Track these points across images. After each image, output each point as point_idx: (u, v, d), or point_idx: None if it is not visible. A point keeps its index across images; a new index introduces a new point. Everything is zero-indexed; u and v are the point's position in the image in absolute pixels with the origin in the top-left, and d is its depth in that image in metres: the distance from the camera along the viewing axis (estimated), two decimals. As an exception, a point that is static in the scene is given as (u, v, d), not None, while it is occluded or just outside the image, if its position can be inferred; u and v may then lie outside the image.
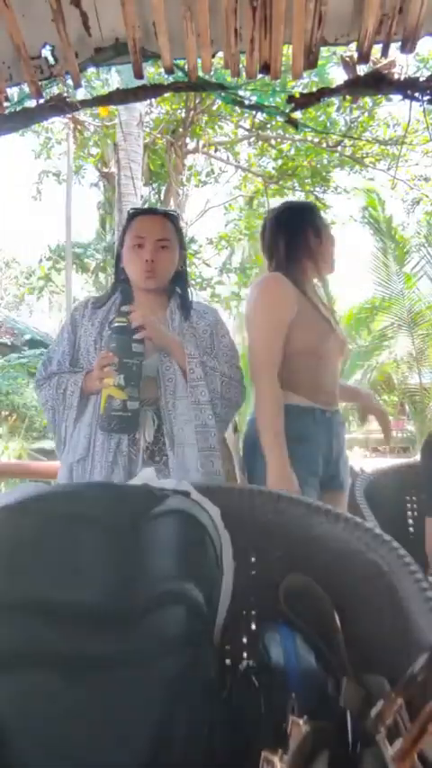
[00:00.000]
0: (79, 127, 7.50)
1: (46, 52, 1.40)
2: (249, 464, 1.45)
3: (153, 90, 1.51)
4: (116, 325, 1.25)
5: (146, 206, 7.76)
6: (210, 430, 1.28)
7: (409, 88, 1.39)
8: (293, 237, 1.49)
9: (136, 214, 1.41)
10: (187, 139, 7.89)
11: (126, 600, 0.48)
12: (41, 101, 1.47)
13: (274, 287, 1.43)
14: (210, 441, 1.28)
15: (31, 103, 1.49)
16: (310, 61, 1.36)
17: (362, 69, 1.42)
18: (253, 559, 0.70)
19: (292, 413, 1.38)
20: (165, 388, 1.30)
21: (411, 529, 1.41)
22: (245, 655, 0.66)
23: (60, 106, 1.45)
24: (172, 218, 1.42)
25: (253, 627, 0.67)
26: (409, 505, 1.45)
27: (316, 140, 7.52)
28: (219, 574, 0.58)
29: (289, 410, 1.38)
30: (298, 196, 8.46)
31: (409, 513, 1.44)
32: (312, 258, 1.49)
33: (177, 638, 0.48)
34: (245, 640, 0.67)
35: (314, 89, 1.54)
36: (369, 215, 7.26)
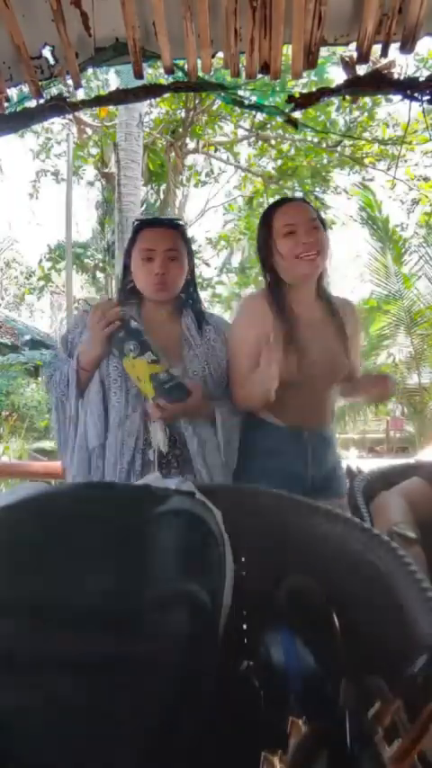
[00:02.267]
0: (82, 126, 7.50)
1: (46, 52, 1.40)
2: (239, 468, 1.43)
3: (153, 90, 1.51)
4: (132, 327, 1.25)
5: (144, 206, 7.77)
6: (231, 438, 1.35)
7: (408, 88, 1.39)
8: (259, 247, 1.42)
9: (142, 226, 1.38)
10: (187, 139, 7.90)
11: (128, 600, 0.48)
12: (41, 101, 1.47)
13: (245, 309, 1.45)
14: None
15: (32, 104, 1.49)
16: (310, 61, 1.36)
17: (361, 69, 1.42)
18: (254, 559, 0.70)
19: (264, 429, 1.39)
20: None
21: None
22: (244, 655, 0.66)
23: (60, 106, 1.45)
24: (178, 227, 1.40)
25: (253, 627, 0.67)
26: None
27: (316, 140, 7.53)
28: (222, 574, 0.58)
29: (261, 425, 1.39)
30: (298, 196, 8.47)
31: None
32: (280, 265, 1.37)
33: (181, 639, 0.48)
34: (245, 641, 0.67)
35: (314, 89, 1.54)
36: (367, 215, 7.26)
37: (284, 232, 1.33)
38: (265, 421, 1.41)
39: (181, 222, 1.46)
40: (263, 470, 1.37)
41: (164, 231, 1.36)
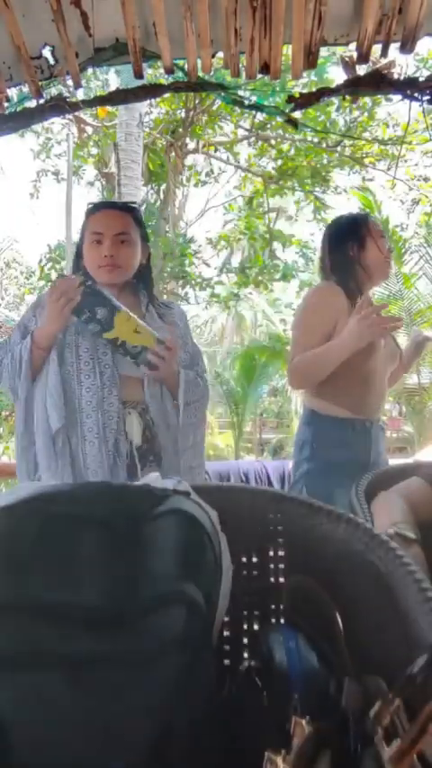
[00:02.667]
0: (82, 126, 7.49)
1: (46, 52, 1.40)
2: (297, 463, 1.60)
3: (153, 90, 1.51)
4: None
5: (144, 206, 7.76)
6: (197, 431, 1.36)
7: (408, 88, 1.39)
8: (336, 249, 1.61)
9: (94, 209, 1.38)
10: (187, 139, 7.90)
11: (126, 600, 0.48)
12: (41, 101, 1.47)
13: (321, 294, 1.58)
14: (195, 439, 1.35)
15: (32, 104, 1.49)
16: (310, 61, 1.36)
17: (361, 69, 1.42)
18: (254, 560, 0.70)
19: (332, 423, 1.53)
20: (151, 393, 1.30)
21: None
22: (245, 655, 0.66)
23: (60, 106, 1.45)
24: (132, 211, 1.39)
25: (255, 627, 0.67)
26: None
27: (316, 140, 7.52)
28: (218, 575, 0.58)
29: (329, 421, 1.53)
30: (298, 196, 8.47)
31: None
32: (361, 267, 1.58)
33: (178, 639, 0.48)
34: (245, 641, 0.67)
35: (314, 89, 1.53)
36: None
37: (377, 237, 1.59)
38: (331, 414, 1.55)
39: (134, 205, 1.45)
40: (333, 462, 1.51)
41: (115, 214, 1.36)
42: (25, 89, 1.47)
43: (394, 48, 1.35)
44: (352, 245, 1.58)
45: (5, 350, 1.34)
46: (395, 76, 1.38)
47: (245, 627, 0.67)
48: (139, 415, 1.29)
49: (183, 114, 7.53)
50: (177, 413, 1.31)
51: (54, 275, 10.25)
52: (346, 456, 1.50)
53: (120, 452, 1.26)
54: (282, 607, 0.67)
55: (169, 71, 1.43)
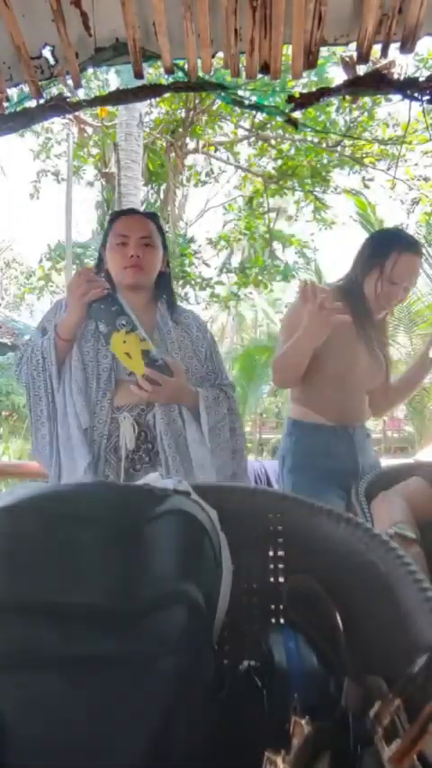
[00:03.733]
0: (82, 126, 7.49)
1: (46, 52, 1.40)
2: (282, 476, 1.57)
3: (153, 90, 1.51)
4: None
5: (144, 206, 7.77)
6: (235, 442, 1.36)
7: (408, 88, 1.39)
8: (359, 261, 1.55)
9: (117, 215, 1.42)
10: (187, 139, 7.90)
11: (127, 600, 0.48)
12: (41, 101, 1.47)
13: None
14: (234, 446, 1.36)
15: (32, 104, 1.49)
16: (310, 61, 1.36)
17: (361, 69, 1.42)
18: (254, 560, 0.70)
19: (313, 430, 1.51)
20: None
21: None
22: (245, 655, 0.66)
23: (61, 106, 1.45)
24: (153, 218, 1.43)
25: (255, 627, 0.67)
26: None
27: (316, 140, 7.52)
28: (218, 574, 0.58)
29: (311, 428, 1.51)
30: (298, 196, 8.46)
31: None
32: (361, 291, 1.52)
33: (178, 639, 0.48)
34: (245, 641, 0.67)
35: (314, 89, 1.53)
36: (362, 218, 7.24)
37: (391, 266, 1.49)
38: (314, 422, 1.53)
39: (155, 213, 1.50)
40: (318, 467, 1.48)
41: (139, 218, 1.40)
42: (25, 89, 1.47)
43: (394, 48, 1.35)
44: (369, 262, 1.51)
45: (24, 349, 1.36)
46: (395, 76, 1.38)
47: (245, 627, 0.67)
48: (135, 420, 1.28)
49: (183, 114, 7.53)
50: (180, 420, 1.30)
51: (54, 275, 10.26)
52: (330, 464, 1.48)
53: (109, 454, 1.26)
54: (282, 607, 0.67)
55: (169, 71, 1.43)
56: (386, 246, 1.48)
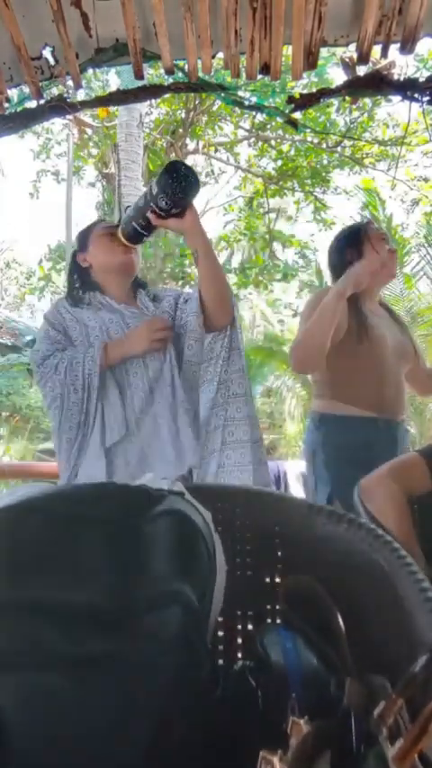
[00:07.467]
0: (82, 127, 7.50)
1: (46, 53, 1.40)
2: (314, 472, 1.59)
3: (153, 90, 1.51)
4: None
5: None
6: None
7: (408, 89, 1.39)
8: (336, 260, 1.66)
9: (99, 222, 1.52)
10: (187, 140, 7.90)
11: (126, 600, 0.48)
12: (42, 101, 1.47)
13: (318, 294, 1.62)
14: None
15: (32, 104, 1.49)
16: (310, 62, 1.36)
17: (361, 70, 1.42)
18: (248, 560, 0.70)
19: (354, 423, 1.51)
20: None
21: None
22: (239, 655, 0.66)
23: (61, 107, 1.45)
24: None
25: (249, 627, 0.67)
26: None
27: (316, 141, 7.52)
28: (212, 575, 0.58)
29: (351, 421, 1.51)
30: (298, 197, 8.46)
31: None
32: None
33: (174, 639, 0.48)
34: (240, 641, 0.67)
35: (314, 90, 1.54)
36: (369, 215, 7.24)
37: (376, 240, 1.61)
38: (344, 413, 1.53)
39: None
40: (355, 460, 1.44)
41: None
42: (25, 89, 1.47)
43: (394, 48, 1.35)
44: (349, 252, 1.61)
45: (48, 349, 1.35)
46: (395, 77, 1.39)
47: (239, 627, 0.67)
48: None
49: (183, 115, 7.54)
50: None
51: (54, 276, 10.27)
52: (369, 455, 1.41)
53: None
54: (277, 607, 0.67)
55: (169, 72, 1.44)
56: (354, 234, 1.64)
